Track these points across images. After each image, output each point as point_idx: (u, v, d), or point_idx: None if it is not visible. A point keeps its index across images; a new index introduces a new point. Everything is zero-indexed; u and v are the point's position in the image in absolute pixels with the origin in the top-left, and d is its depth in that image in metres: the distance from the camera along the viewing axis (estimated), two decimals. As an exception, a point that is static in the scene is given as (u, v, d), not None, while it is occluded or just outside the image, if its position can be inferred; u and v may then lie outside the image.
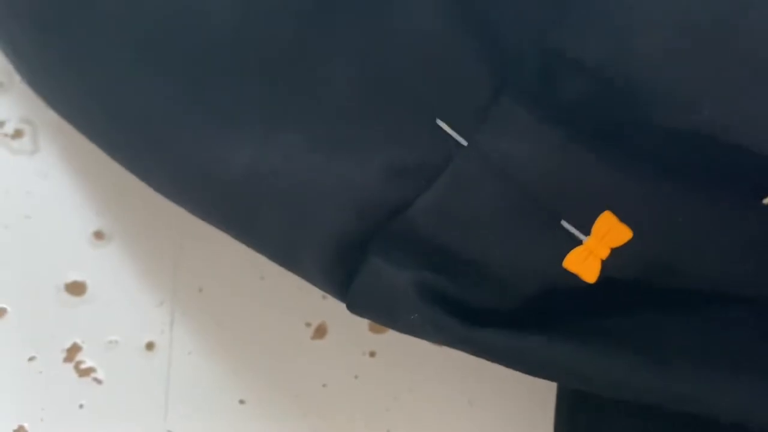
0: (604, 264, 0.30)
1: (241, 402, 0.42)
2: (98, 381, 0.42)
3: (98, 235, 0.43)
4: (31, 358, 0.42)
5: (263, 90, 0.32)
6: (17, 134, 0.43)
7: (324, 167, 0.31)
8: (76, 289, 0.43)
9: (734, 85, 0.28)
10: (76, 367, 0.42)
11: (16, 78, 0.42)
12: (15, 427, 0.42)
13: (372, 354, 0.43)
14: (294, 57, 0.31)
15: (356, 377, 0.43)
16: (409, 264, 0.32)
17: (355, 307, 0.34)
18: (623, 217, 0.30)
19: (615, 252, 0.30)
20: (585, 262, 0.30)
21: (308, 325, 0.43)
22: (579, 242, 0.30)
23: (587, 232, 0.30)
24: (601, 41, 0.29)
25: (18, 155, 0.43)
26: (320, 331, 0.43)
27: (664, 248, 0.30)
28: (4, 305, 0.42)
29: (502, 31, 0.29)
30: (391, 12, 0.30)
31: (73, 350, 0.42)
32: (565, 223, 0.30)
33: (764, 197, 0.29)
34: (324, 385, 0.43)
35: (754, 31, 0.27)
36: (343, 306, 0.35)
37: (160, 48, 0.33)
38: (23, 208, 0.43)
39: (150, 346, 0.43)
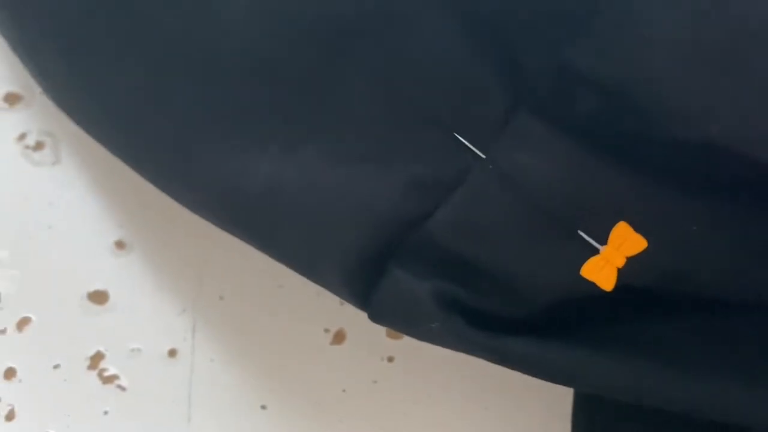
0: (621, 272, 0.31)
1: (263, 407, 0.43)
2: (122, 388, 0.43)
3: (119, 244, 0.43)
4: (55, 366, 0.43)
5: (285, 106, 0.33)
6: (38, 146, 0.43)
7: (344, 181, 0.32)
8: (98, 297, 0.43)
9: (745, 101, 0.28)
10: (100, 375, 0.43)
11: (37, 91, 0.42)
12: (41, 434, 0.43)
13: (390, 359, 0.43)
14: (315, 73, 0.32)
15: (375, 382, 0.43)
16: (429, 275, 0.32)
17: (376, 317, 0.34)
18: (638, 227, 0.30)
19: (631, 261, 0.31)
20: (602, 271, 0.31)
21: (327, 331, 0.43)
22: (596, 251, 0.31)
23: (603, 242, 0.31)
24: (614, 58, 0.29)
25: (39, 167, 0.43)
26: (339, 337, 0.43)
27: (679, 257, 0.31)
28: (28, 314, 0.43)
29: (518, 47, 0.30)
30: (409, 31, 0.31)
31: (97, 358, 0.43)
32: (582, 233, 0.30)
33: None
34: (343, 391, 0.43)
35: (764, 49, 0.28)
36: (360, 312, 0.35)
37: (182, 65, 0.33)
38: (45, 219, 0.43)
39: (172, 353, 0.43)
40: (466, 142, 0.31)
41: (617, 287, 0.31)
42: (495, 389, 0.43)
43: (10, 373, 0.43)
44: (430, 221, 0.32)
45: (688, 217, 0.30)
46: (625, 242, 0.30)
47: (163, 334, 0.43)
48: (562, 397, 0.40)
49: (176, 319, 0.43)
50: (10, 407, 0.43)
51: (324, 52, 0.32)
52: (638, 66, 0.29)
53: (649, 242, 0.30)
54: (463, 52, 0.31)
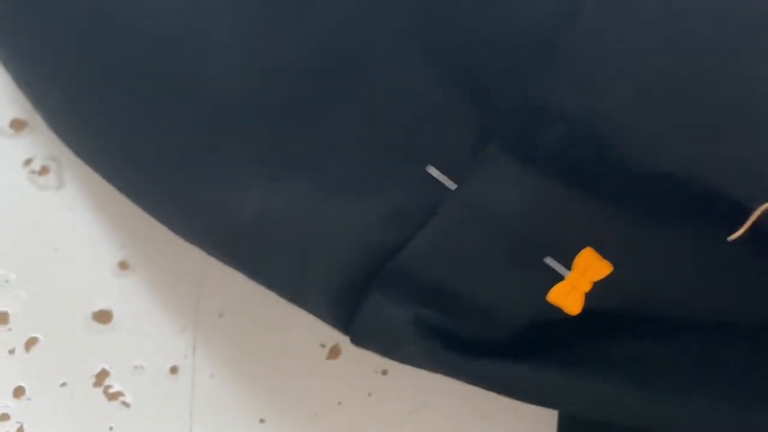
0: (588, 296, 0.32)
1: (262, 421, 0.44)
2: (126, 404, 0.44)
3: (122, 265, 0.45)
4: (62, 384, 0.44)
5: (272, 141, 0.34)
6: (43, 171, 0.44)
7: (327, 212, 0.33)
8: (102, 317, 0.44)
9: (697, 135, 0.30)
10: (105, 392, 0.44)
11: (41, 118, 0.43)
12: (50, 450, 0.44)
13: (384, 372, 0.44)
14: (300, 110, 0.33)
15: (370, 395, 0.44)
16: (407, 300, 0.34)
17: (358, 341, 0.36)
18: (603, 253, 0.31)
19: (597, 285, 0.32)
20: (568, 296, 0.32)
21: (323, 346, 0.44)
22: (562, 277, 0.32)
23: (570, 268, 0.32)
24: (577, 95, 0.30)
25: (45, 191, 0.44)
26: (334, 352, 0.44)
27: (643, 280, 0.32)
28: (36, 334, 0.44)
29: (489, 85, 0.31)
30: (385, 70, 0.32)
31: (102, 375, 0.44)
32: (548, 260, 0.31)
33: (731, 232, 0.30)
34: (339, 403, 0.44)
35: (714, 88, 0.29)
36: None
37: (175, 105, 0.35)
38: (51, 242, 0.44)
39: (174, 370, 0.45)
40: (439, 174, 0.32)
41: (586, 310, 0.32)
42: (489, 399, 0.44)
43: (19, 392, 0.44)
44: (407, 249, 0.33)
45: (650, 244, 0.31)
46: (590, 268, 0.31)
47: (165, 351, 0.44)
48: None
49: (177, 337, 0.44)
50: (19, 424, 0.44)
51: (307, 92, 0.33)
52: (598, 103, 0.30)
53: (614, 267, 0.31)
54: (435, 90, 0.32)
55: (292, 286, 0.36)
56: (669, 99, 0.29)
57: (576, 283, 0.32)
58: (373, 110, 0.32)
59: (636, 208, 0.31)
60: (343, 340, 0.44)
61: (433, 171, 0.32)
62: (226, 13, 0.33)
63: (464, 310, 0.33)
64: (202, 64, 0.34)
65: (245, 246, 0.36)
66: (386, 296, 0.34)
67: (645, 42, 0.29)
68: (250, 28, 0.33)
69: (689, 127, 0.30)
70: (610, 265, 0.32)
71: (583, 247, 0.32)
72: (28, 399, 0.44)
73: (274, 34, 0.33)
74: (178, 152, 0.35)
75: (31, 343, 0.44)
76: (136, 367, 0.44)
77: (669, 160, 0.30)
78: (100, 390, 0.44)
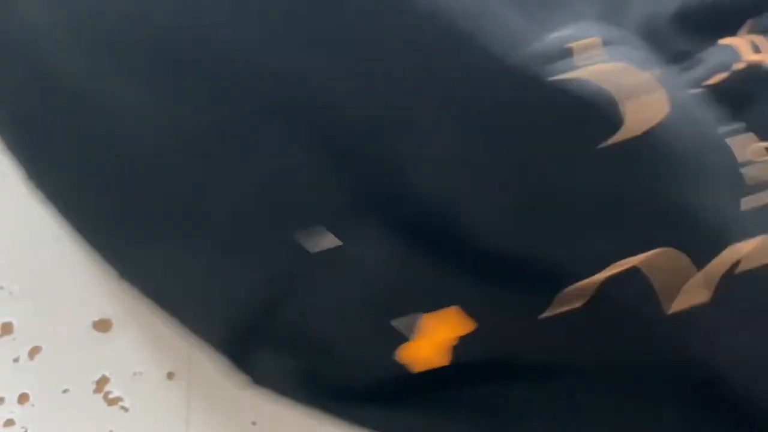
0: (455, 349, 0.35)
1: (254, 423, 0.46)
2: (125, 409, 0.46)
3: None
4: (64, 391, 0.46)
5: (168, 220, 0.36)
6: None
7: (214, 279, 0.36)
8: (102, 326, 0.46)
9: (531, 217, 0.33)
10: (105, 397, 0.46)
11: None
12: (53, 453, 0.46)
13: (371, 375, 0.46)
14: (193, 186, 0.36)
15: (358, 397, 0.46)
16: (286, 353, 0.37)
17: (256, 386, 0.39)
18: (465, 311, 0.34)
19: (462, 339, 0.34)
20: (430, 352, 0.34)
21: (313, 351, 0.46)
22: (422, 335, 0.34)
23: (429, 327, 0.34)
24: (427, 171, 0.33)
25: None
26: (324, 356, 0.46)
27: (501, 336, 0.35)
28: (39, 343, 0.46)
29: (353, 159, 0.34)
30: (265, 143, 0.34)
31: (102, 382, 0.46)
32: (410, 317, 0.34)
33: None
34: (329, 406, 0.46)
35: (538, 177, 0.33)
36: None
37: (98, 176, 0.37)
38: (53, 255, 0.47)
39: (171, 375, 0.46)
40: (307, 241, 0.34)
41: (454, 362, 0.35)
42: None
43: (23, 398, 0.46)
44: (284, 308, 0.36)
45: (502, 304, 0.34)
46: (451, 325, 0.33)
47: (162, 358, 0.46)
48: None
49: (174, 344, 0.46)
50: (23, 430, 0.46)
51: (198, 171, 0.35)
52: (444, 179, 0.33)
53: (476, 324, 0.34)
54: (308, 168, 0.34)
55: (198, 337, 0.39)
56: (502, 182, 0.33)
57: (437, 340, 0.34)
58: (252, 180, 0.35)
59: (484, 276, 0.34)
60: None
61: (302, 238, 0.34)
62: (134, 89, 0.35)
63: (337, 360, 0.36)
64: (110, 142, 0.36)
65: (157, 301, 0.38)
66: (271, 350, 0.37)
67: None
68: (154, 107, 0.35)
69: (522, 210, 0.33)
70: (474, 322, 0.34)
71: (445, 305, 0.34)
72: (32, 405, 0.46)
73: (167, 112, 0.35)
74: (94, 216, 0.39)
75: (34, 351, 0.46)
76: (134, 374, 0.46)
77: (506, 236, 0.33)
78: (100, 396, 0.46)
